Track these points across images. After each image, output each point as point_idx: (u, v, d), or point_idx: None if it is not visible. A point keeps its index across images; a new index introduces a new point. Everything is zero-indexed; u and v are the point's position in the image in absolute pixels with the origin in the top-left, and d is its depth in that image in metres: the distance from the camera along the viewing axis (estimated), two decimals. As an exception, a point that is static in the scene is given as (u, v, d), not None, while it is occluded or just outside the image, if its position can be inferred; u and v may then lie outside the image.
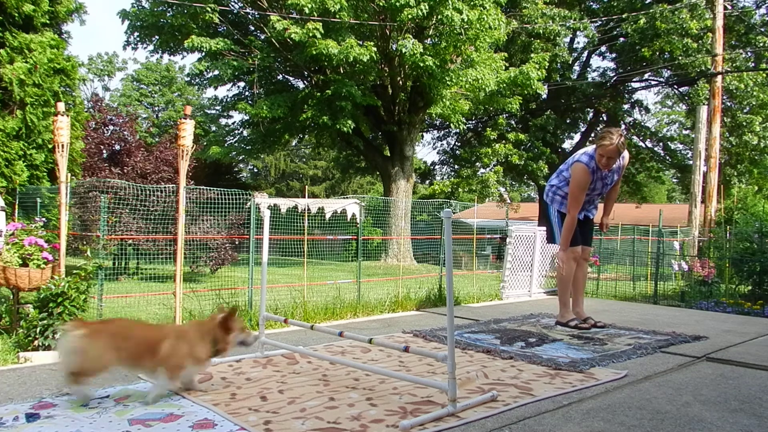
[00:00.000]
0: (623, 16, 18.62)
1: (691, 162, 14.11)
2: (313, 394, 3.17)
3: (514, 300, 8.00)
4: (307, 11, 13.64)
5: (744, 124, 17.92)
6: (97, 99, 15.93)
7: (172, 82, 41.88)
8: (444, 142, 26.62)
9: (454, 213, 10.86)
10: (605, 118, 23.69)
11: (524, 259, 8.42)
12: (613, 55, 22.27)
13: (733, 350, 4.50)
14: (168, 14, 16.47)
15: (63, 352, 3.01)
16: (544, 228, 5.61)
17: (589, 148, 4.82)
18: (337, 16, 13.88)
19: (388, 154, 18.93)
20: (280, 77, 18.84)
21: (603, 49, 22.23)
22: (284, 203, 6.98)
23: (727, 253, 8.62)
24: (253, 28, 18.16)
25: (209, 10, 15.31)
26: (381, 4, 14.27)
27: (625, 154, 4.90)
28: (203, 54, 16.29)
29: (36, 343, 4.16)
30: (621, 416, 2.86)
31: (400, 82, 17.14)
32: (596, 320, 5.28)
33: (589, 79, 22.11)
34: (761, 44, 17.76)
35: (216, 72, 16.37)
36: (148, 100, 41.69)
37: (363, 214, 7.54)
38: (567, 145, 24.99)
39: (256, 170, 45.27)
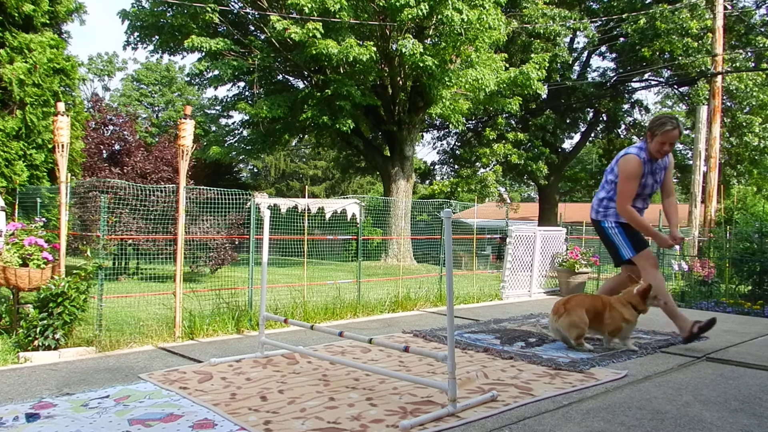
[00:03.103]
0: (623, 16, 18.61)
1: (691, 162, 14.10)
2: (313, 394, 3.17)
3: (514, 300, 8.00)
4: (307, 11, 13.63)
5: (744, 124, 17.91)
6: (97, 99, 15.90)
7: (172, 82, 41.85)
8: (444, 142, 26.61)
9: (454, 213, 10.85)
10: (605, 118, 23.69)
11: (524, 259, 8.42)
12: (613, 55, 22.25)
13: (733, 350, 4.50)
14: (168, 14, 16.44)
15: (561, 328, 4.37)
16: (601, 242, 4.95)
17: (638, 142, 4.65)
18: (337, 16, 13.87)
19: (388, 154, 18.91)
20: (280, 77, 18.82)
21: (603, 49, 22.21)
22: (284, 203, 6.98)
23: (727, 253, 8.61)
24: (253, 28, 18.14)
25: (209, 10, 15.29)
26: (381, 4, 14.26)
27: (670, 155, 4.70)
28: (203, 54, 16.27)
29: (36, 343, 4.16)
30: (621, 416, 2.86)
31: (400, 82, 17.12)
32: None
33: (589, 79, 22.09)
34: (761, 44, 17.74)
35: (216, 72, 16.34)
36: (148, 100, 41.67)
37: (363, 214, 7.54)
38: (567, 145, 25.01)
39: (256, 170, 45.24)
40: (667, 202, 4.81)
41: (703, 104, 12.90)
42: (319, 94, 15.52)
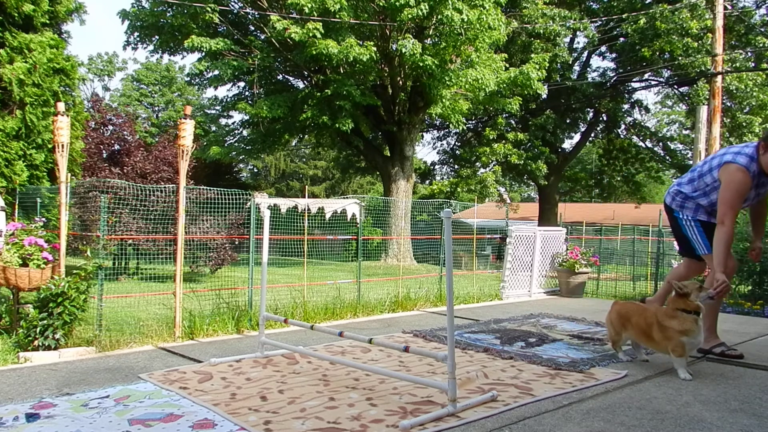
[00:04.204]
0: (623, 16, 18.61)
1: (691, 162, 14.10)
2: (313, 394, 3.17)
3: (514, 300, 8.00)
4: (307, 11, 13.63)
5: (744, 124, 17.91)
6: (97, 99, 15.92)
7: (172, 82, 41.84)
8: (444, 142, 26.62)
9: (454, 213, 10.85)
10: (605, 118, 23.70)
11: (524, 259, 8.42)
12: (613, 55, 22.25)
13: (733, 350, 4.49)
14: (168, 14, 16.45)
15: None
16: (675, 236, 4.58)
17: (746, 148, 3.98)
18: (337, 16, 13.87)
19: (388, 154, 18.92)
20: (280, 77, 18.82)
21: (603, 49, 22.21)
22: (284, 203, 6.98)
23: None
24: (253, 28, 18.15)
25: (209, 10, 15.29)
26: (381, 4, 14.26)
27: None
28: (203, 54, 16.28)
29: (36, 343, 4.16)
30: (621, 416, 2.86)
31: (400, 82, 17.13)
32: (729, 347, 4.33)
33: (589, 79, 22.09)
34: (761, 44, 17.74)
35: (216, 72, 16.35)
36: (148, 100, 41.66)
37: (363, 214, 7.54)
38: (567, 145, 25.01)
39: (256, 170, 45.24)
40: (757, 207, 4.33)
41: (703, 104, 12.91)
42: (319, 94, 15.53)
